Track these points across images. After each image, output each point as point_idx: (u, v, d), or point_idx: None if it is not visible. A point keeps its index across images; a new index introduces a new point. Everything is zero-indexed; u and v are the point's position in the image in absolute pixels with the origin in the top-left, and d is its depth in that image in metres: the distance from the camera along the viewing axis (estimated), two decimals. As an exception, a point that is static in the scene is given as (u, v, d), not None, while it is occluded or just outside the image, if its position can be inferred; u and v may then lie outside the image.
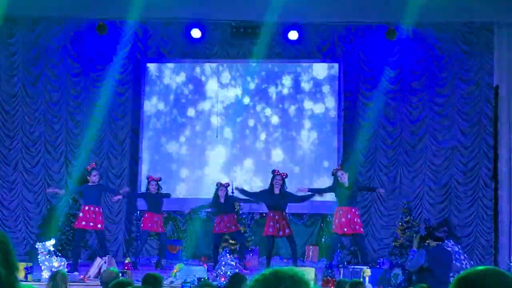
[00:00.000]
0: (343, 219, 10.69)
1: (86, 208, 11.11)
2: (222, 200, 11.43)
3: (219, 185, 11.57)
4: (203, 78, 13.45)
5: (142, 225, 11.75)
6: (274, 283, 1.73)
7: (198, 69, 13.46)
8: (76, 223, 11.25)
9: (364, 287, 6.13)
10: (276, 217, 11.01)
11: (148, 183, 11.69)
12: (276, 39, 13.28)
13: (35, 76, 13.36)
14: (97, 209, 11.15)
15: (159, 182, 11.73)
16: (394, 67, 13.07)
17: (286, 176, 11.28)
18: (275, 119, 13.30)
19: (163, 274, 6.43)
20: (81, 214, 11.13)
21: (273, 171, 11.33)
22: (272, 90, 13.35)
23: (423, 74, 13.02)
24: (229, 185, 11.67)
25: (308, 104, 13.28)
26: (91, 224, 11.04)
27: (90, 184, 11.22)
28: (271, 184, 11.17)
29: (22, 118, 13.33)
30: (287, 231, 11.06)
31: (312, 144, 13.23)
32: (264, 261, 12.66)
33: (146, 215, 11.65)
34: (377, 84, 13.09)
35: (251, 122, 13.35)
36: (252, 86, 13.38)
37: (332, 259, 10.65)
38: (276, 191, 11.11)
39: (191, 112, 13.42)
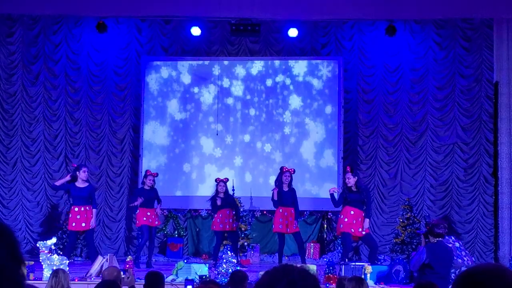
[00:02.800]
0: (354, 221, 10.49)
1: (76, 209, 10.93)
2: (222, 196, 11.41)
3: (218, 181, 11.54)
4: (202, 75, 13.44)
5: (137, 221, 11.42)
6: (281, 274, 1.75)
7: (197, 67, 13.43)
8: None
9: (364, 283, 6.11)
10: (285, 213, 10.96)
11: (145, 177, 11.46)
12: (276, 37, 13.28)
13: (34, 74, 13.35)
14: (87, 208, 11.00)
15: (155, 178, 11.51)
16: (394, 64, 13.08)
17: (294, 172, 11.23)
18: (274, 117, 13.28)
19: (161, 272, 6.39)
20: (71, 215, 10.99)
21: (282, 168, 11.22)
22: (272, 88, 13.33)
23: (423, 71, 13.02)
24: (228, 180, 11.62)
25: (308, 102, 13.25)
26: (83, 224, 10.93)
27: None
28: (280, 181, 11.09)
29: (21, 116, 13.32)
30: (294, 227, 11.02)
31: (312, 142, 13.21)
32: (265, 259, 12.67)
33: (139, 211, 11.27)
34: (377, 81, 13.10)
35: (251, 118, 13.33)
36: (252, 84, 13.36)
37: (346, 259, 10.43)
38: (285, 187, 11.03)
39: (191, 109, 13.40)
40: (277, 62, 13.36)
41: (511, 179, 12.56)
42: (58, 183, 11.23)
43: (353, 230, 10.46)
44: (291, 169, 11.20)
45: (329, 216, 13.01)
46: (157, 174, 11.61)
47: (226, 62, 13.37)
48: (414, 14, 12.62)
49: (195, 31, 12.95)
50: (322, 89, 13.26)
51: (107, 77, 13.35)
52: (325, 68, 13.28)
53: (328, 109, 13.22)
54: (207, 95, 13.38)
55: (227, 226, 11.41)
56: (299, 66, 13.33)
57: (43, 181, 13.27)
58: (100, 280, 6.80)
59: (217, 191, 11.48)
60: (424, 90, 13.01)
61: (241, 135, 13.33)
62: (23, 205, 13.23)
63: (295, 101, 13.28)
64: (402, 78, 13.08)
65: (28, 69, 13.34)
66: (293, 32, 12.89)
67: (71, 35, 13.31)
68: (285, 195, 11.00)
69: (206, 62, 13.41)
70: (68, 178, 11.07)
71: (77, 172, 10.94)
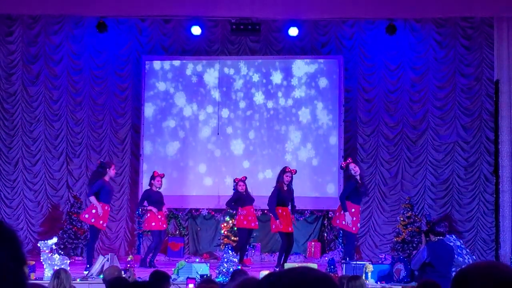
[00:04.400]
0: (355, 218, 10.36)
1: (106, 207, 10.67)
2: (245, 193, 11.35)
3: (238, 181, 11.45)
4: (203, 75, 13.43)
5: (146, 224, 11.27)
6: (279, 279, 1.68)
7: (198, 66, 13.43)
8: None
9: (362, 281, 6.12)
10: (284, 213, 10.92)
11: (153, 178, 11.22)
12: (276, 36, 13.29)
13: (35, 74, 13.36)
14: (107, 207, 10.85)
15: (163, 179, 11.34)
16: (394, 62, 13.08)
17: (295, 172, 11.19)
18: (274, 116, 13.28)
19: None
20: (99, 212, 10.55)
21: (284, 168, 11.13)
22: (272, 86, 13.33)
23: (423, 69, 13.03)
24: (246, 178, 11.50)
25: (308, 101, 13.25)
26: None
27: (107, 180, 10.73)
28: (281, 181, 10.99)
29: (22, 116, 13.34)
30: (292, 227, 11.01)
31: (312, 141, 13.21)
32: (266, 258, 12.66)
33: (150, 214, 11.07)
34: (377, 79, 13.10)
35: (254, 117, 13.33)
36: (252, 82, 13.36)
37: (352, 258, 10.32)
38: (285, 187, 10.98)
39: (192, 109, 13.39)
40: (277, 61, 13.36)
41: (512, 178, 12.57)
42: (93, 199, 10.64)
43: (354, 228, 10.46)
44: (293, 170, 11.15)
45: (329, 215, 13.01)
46: (163, 175, 11.44)
47: (226, 70, 13.32)
48: (414, 13, 12.61)
49: (196, 30, 12.95)
50: (322, 88, 13.25)
51: (109, 78, 13.36)
52: (326, 67, 13.27)
53: (329, 108, 13.21)
54: (207, 94, 13.38)
55: (252, 224, 11.34)
56: (299, 65, 13.32)
57: (43, 181, 13.28)
58: (102, 280, 6.83)
59: (237, 191, 11.40)
60: (424, 89, 13.02)
61: (244, 136, 13.34)
62: (24, 204, 13.26)
63: (294, 101, 13.27)
64: (402, 77, 13.08)
65: (28, 68, 13.35)
66: (293, 31, 12.89)
67: (72, 35, 13.31)
68: (285, 194, 10.97)
69: (207, 62, 13.37)
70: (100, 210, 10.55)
71: (107, 170, 10.65)
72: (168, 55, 13.40)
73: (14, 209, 13.23)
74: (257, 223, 11.53)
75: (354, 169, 10.45)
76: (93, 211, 10.51)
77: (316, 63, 13.31)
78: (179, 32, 13.30)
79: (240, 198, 11.37)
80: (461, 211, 12.79)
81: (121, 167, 13.31)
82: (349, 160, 10.90)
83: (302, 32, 13.01)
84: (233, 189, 11.76)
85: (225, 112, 13.29)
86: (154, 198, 11.14)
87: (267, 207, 11.38)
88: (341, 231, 11.91)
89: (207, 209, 13.09)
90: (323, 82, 13.26)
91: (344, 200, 10.35)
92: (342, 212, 10.35)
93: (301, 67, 13.30)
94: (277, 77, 13.33)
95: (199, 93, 13.36)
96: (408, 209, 12.48)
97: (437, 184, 12.90)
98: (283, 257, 10.97)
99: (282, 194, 10.95)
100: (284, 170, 11.08)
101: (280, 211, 10.91)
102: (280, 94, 13.31)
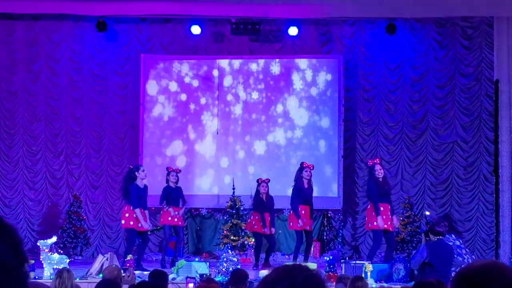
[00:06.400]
0: (385, 216, 10.08)
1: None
2: (264, 198, 10.95)
3: (260, 181, 11.06)
4: (203, 73, 13.45)
5: (161, 219, 10.89)
6: (286, 275, 1.72)
7: (197, 65, 13.44)
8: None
9: (365, 282, 6.12)
10: (304, 212, 10.65)
11: (168, 174, 10.89)
12: (276, 35, 13.29)
13: (35, 73, 13.38)
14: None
15: (179, 174, 10.94)
16: (394, 62, 13.08)
17: (313, 167, 10.98)
18: (274, 115, 13.29)
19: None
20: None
21: (302, 164, 10.84)
22: (272, 86, 13.34)
23: (423, 69, 13.03)
24: (269, 181, 11.15)
25: (307, 101, 13.26)
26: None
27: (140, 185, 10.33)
28: (300, 178, 10.72)
29: (22, 115, 13.35)
30: (310, 226, 10.91)
31: (311, 141, 13.21)
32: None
33: (166, 209, 10.72)
34: (377, 79, 13.10)
35: (253, 116, 13.35)
36: (252, 82, 13.37)
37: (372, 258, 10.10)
38: (305, 184, 10.71)
39: (191, 108, 13.40)
40: (276, 61, 13.36)
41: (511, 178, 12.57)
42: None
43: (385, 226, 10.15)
44: (310, 164, 10.95)
45: (329, 215, 13.02)
46: (179, 170, 11.09)
47: (227, 61, 13.33)
48: (415, 13, 12.61)
49: (195, 29, 12.95)
50: (322, 87, 13.25)
51: (108, 76, 13.38)
52: (325, 67, 13.27)
53: (329, 107, 13.21)
54: (207, 93, 13.39)
55: (264, 230, 10.90)
56: (299, 65, 13.32)
57: (44, 180, 13.29)
58: (101, 279, 6.82)
59: (258, 191, 11.04)
60: (424, 89, 13.03)
61: (243, 135, 13.35)
62: (24, 203, 13.26)
63: (295, 100, 13.27)
64: (402, 77, 13.09)
65: (29, 68, 13.37)
66: (293, 31, 12.89)
67: (72, 34, 13.33)
68: (306, 192, 10.76)
69: (206, 61, 13.37)
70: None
71: (136, 173, 10.32)
72: (168, 54, 13.40)
73: (13, 209, 13.24)
74: (272, 228, 11.03)
75: (379, 170, 10.23)
76: (126, 215, 10.24)
77: (316, 62, 13.30)
78: (178, 32, 13.31)
79: (261, 203, 10.97)
80: (461, 211, 12.80)
81: (121, 166, 13.31)
82: (377, 160, 10.62)
83: (302, 32, 13.02)
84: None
85: (225, 108, 13.30)
86: (174, 195, 10.79)
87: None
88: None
89: (206, 208, 13.09)
90: (323, 82, 13.26)
91: (375, 202, 10.03)
92: (373, 214, 10.08)
93: (301, 66, 13.30)
94: (276, 77, 13.32)
95: (199, 87, 13.37)
96: (408, 209, 12.48)
97: (437, 184, 12.91)
98: (301, 255, 10.82)
99: (303, 192, 10.66)
100: (302, 167, 10.79)
101: (300, 209, 10.61)
102: (279, 93, 13.30)
